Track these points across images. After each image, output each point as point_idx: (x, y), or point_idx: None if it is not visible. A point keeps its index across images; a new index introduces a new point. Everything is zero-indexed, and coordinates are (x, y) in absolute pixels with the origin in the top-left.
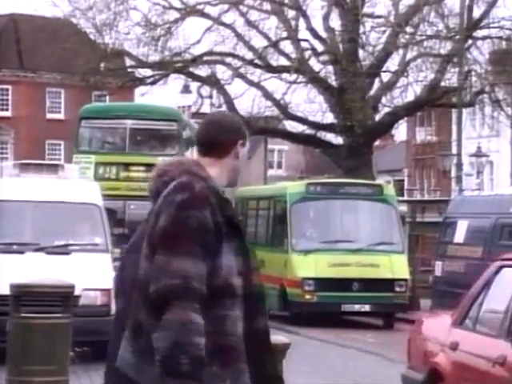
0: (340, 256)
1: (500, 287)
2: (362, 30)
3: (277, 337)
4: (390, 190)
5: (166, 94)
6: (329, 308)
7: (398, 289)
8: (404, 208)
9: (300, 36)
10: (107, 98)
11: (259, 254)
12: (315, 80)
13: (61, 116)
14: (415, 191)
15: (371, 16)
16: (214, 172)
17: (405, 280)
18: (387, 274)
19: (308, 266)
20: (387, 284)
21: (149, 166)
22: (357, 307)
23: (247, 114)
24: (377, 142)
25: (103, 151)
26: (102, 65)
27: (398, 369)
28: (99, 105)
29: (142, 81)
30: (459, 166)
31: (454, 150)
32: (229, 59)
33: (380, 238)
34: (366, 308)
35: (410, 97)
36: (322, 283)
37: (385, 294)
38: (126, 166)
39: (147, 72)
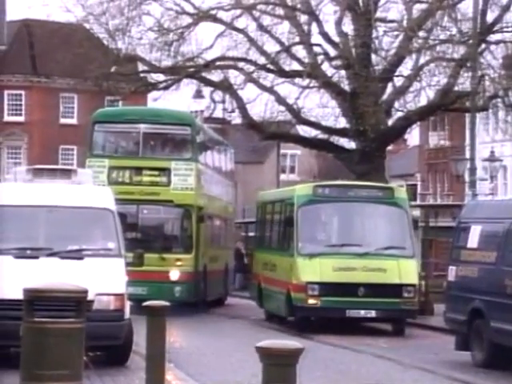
0: (346, 260)
1: None
2: (374, 34)
3: (290, 342)
4: (401, 193)
5: (178, 99)
6: (333, 313)
7: (405, 294)
8: (417, 213)
9: (313, 41)
10: (120, 103)
11: (272, 259)
12: (328, 85)
13: (74, 121)
14: (428, 196)
15: (384, 20)
16: None
17: (413, 285)
18: (395, 279)
19: (312, 270)
20: (395, 289)
21: (162, 171)
22: (362, 313)
23: (260, 119)
24: (390, 147)
25: (117, 155)
26: (113, 69)
27: (410, 374)
28: (113, 109)
29: (154, 86)
30: (472, 170)
31: (468, 155)
32: (241, 64)
33: (389, 242)
34: (372, 314)
35: (422, 101)
36: (327, 288)
37: (392, 299)
38: (140, 170)
39: (160, 77)
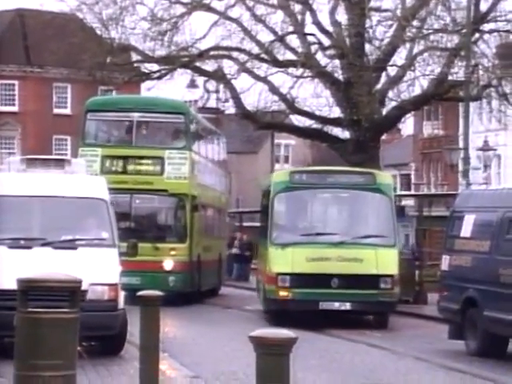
0: (320, 250)
1: None
2: (368, 23)
3: (283, 331)
4: (384, 179)
5: (172, 89)
6: (305, 306)
7: (383, 285)
8: (411, 202)
9: (306, 30)
10: (114, 92)
11: (261, 249)
12: (322, 74)
13: (67, 111)
14: (422, 185)
15: (378, 10)
16: None
17: (391, 276)
18: (371, 270)
19: (284, 260)
20: (371, 280)
21: (156, 160)
22: (336, 305)
23: (254, 109)
24: (384, 137)
25: (110, 144)
26: (108, 59)
27: (404, 363)
28: (105, 98)
29: (148, 75)
30: (466, 159)
31: (461, 144)
32: (235, 54)
33: (368, 230)
34: (347, 306)
35: (416, 91)
36: (298, 279)
37: (368, 291)
38: (133, 159)
39: (153, 67)
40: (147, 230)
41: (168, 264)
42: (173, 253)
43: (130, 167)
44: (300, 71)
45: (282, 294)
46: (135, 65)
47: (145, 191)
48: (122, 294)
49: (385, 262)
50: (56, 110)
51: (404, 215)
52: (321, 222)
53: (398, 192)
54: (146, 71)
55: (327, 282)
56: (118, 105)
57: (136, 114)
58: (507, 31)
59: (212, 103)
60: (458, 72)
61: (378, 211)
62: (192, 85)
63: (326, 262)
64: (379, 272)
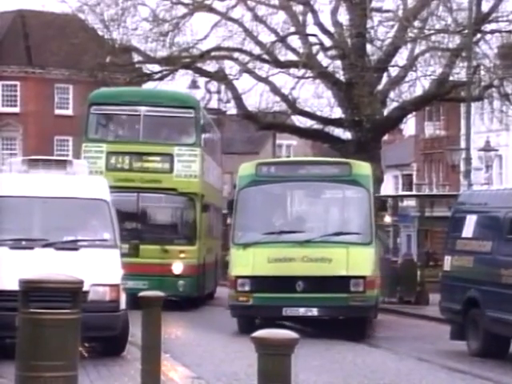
0: (283, 249)
1: None
2: (370, 24)
3: (285, 331)
4: (361, 169)
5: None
6: (267, 312)
7: (353, 288)
8: (412, 203)
9: (308, 31)
10: None
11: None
12: (323, 75)
13: (69, 112)
14: (424, 186)
15: (379, 10)
16: None
17: (363, 277)
18: (341, 271)
19: (245, 262)
20: (340, 283)
21: (164, 156)
22: (301, 311)
23: (255, 109)
24: (385, 137)
25: (115, 140)
26: (108, 59)
27: (406, 363)
28: (110, 90)
29: (149, 76)
30: (468, 160)
31: (463, 145)
32: (236, 54)
33: (339, 227)
34: (314, 312)
35: (418, 91)
36: (259, 283)
37: (337, 294)
38: (140, 155)
39: (155, 67)
40: (155, 232)
41: (177, 267)
42: (182, 255)
43: (137, 164)
44: (301, 72)
45: (242, 299)
46: (137, 65)
47: (152, 190)
48: (123, 295)
49: (357, 261)
50: (57, 111)
51: (385, 209)
52: (287, 219)
53: (400, 192)
54: (148, 72)
55: (291, 285)
56: (124, 98)
57: (143, 108)
58: (509, 31)
59: (214, 104)
60: (460, 72)
61: (353, 205)
62: (193, 86)
63: (290, 263)
64: (349, 273)
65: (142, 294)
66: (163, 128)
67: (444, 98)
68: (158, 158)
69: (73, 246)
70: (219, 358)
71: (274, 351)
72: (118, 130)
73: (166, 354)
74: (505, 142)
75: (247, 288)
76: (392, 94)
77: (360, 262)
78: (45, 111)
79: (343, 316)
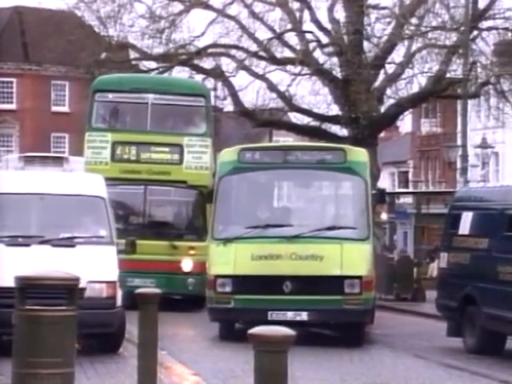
0: (268, 245)
1: None
2: (366, 21)
3: (281, 328)
4: (357, 156)
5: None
6: (250, 316)
7: (348, 290)
8: (409, 200)
9: (305, 28)
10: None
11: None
12: (320, 72)
13: (65, 109)
14: (420, 183)
15: (376, 7)
16: None
17: (359, 277)
18: (334, 270)
19: (225, 259)
20: (333, 283)
21: (174, 147)
22: (290, 315)
23: (252, 106)
24: (382, 134)
25: (121, 129)
26: (104, 56)
27: (403, 360)
28: (116, 76)
29: (146, 73)
30: (464, 157)
31: (459, 142)
32: (233, 51)
33: (332, 220)
34: (303, 316)
35: (415, 88)
36: (242, 283)
37: (329, 297)
38: (148, 146)
39: (152, 64)
40: (163, 227)
41: (187, 264)
42: (192, 252)
43: (145, 155)
44: (298, 69)
45: (222, 301)
46: (133, 62)
47: (161, 182)
48: (120, 292)
49: (352, 259)
50: (54, 108)
51: (384, 201)
52: (274, 212)
53: (397, 190)
54: (144, 69)
55: (278, 286)
56: (131, 84)
57: (151, 96)
58: (505, 29)
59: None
60: (456, 69)
61: (348, 196)
62: None
63: (277, 261)
64: (344, 272)
65: (138, 290)
66: (172, 117)
67: (440, 95)
68: (166, 149)
69: (69, 242)
70: (216, 355)
71: (270, 348)
72: (125, 119)
73: (163, 351)
74: (501, 139)
75: (228, 289)
76: (389, 91)
77: (356, 260)
78: (41, 108)
79: (336, 321)
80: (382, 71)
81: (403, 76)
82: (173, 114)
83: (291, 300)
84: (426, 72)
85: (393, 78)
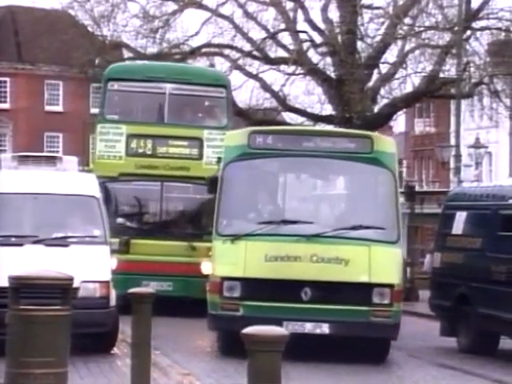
0: (286, 245)
1: None
2: (360, 21)
3: (275, 328)
4: (385, 145)
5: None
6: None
7: (377, 300)
8: (402, 199)
9: (298, 27)
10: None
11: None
12: (314, 71)
13: (59, 108)
14: (414, 182)
15: (370, 7)
16: None
17: (390, 286)
18: (361, 276)
19: (234, 259)
20: (360, 292)
21: (193, 141)
22: (309, 327)
23: (246, 106)
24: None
25: (137, 121)
26: (98, 57)
27: (396, 360)
28: (131, 64)
29: None
30: (458, 157)
31: (453, 142)
32: (227, 51)
33: (358, 218)
34: (324, 329)
35: (408, 88)
36: (253, 287)
37: (355, 307)
38: (165, 139)
39: None
40: (181, 226)
41: (207, 267)
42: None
43: (162, 149)
44: (292, 68)
45: (229, 307)
46: (127, 62)
47: (179, 178)
48: (113, 292)
49: (381, 264)
50: (48, 107)
51: (414, 199)
52: (289, 206)
53: None
54: None
55: (295, 292)
56: (147, 73)
57: (169, 86)
58: (498, 29)
59: None
60: (450, 69)
61: (375, 191)
62: None
63: (295, 263)
64: (372, 280)
65: (131, 290)
66: (191, 108)
67: (434, 94)
68: (185, 143)
69: (63, 242)
70: (209, 355)
71: (263, 348)
72: (140, 110)
73: (156, 350)
74: (495, 139)
75: (237, 294)
76: (382, 91)
77: (386, 265)
78: (35, 107)
79: (361, 335)
80: (376, 71)
81: (397, 76)
82: (192, 106)
83: (310, 309)
84: (420, 72)
85: (386, 78)
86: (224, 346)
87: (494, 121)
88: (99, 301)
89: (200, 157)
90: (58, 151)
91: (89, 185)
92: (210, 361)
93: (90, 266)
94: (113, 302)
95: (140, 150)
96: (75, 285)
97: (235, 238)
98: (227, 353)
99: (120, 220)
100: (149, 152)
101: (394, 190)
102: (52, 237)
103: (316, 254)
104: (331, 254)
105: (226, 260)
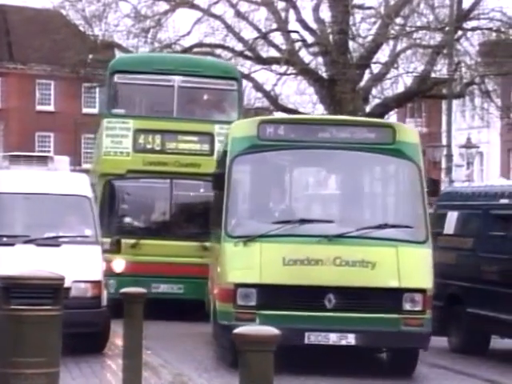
0: (306, 247)
1: None
2: (352, 21)
3: (266, 327)
4: (408, 136)
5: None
6: (283, 339)
7: (408, 307)
8: None
9: (290, 27)
10: (97, 89)
11: (211, 245)
12: (305, 71)
13: (51, 108)
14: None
15: (361, 7)
16: None
17: (422, 291)
18: (390, 280)
19: (247, 263)
20: (390, 298)
21: (203, 136)
22: (334, 338)
23: None
24: None
25: (145, 115)
26: (91, 56)
27: (387, 359)
28: (138, 55)
29: None
30: (449, 157)
31: (444, 141)
32: (219, 51)
33: (382, 216)
34: (351, 340)
35: (400, 88)
36: (271, 295)
37: (384, 315)
38: (174, 134)
39: None
40: (192, 226)
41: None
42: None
43: (171, 145)
44: (284, 68)
45: (245, 318)
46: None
47: (189, 175)
48: (105, 292)
49: (411, 267)
50: (39, 107)
51: (437, 194)
52: (307, 203)
53: None
54: None
55: (318, 299)
56: (155, 65)
57: (178, 78)
58: (489, 29)
59: None
60: (441, 69)
61: (399, 186)
62: None
63: (317, 267)
64: (403, 284)
65: (123, 290)
66: (201, 102)
67: (425, 94)
68: (195, 138)
69: (54, 242)
70: (202, 355)
71: (256, 348)
72: (148, 104)
73: (148, 350)
74: (486, 139)
75: (253, 302)
76: (374, 91)
77: (416, 267)
78: (26, 107)
79: (391, 346)
80: (368, 71)
81: (388, 76)
82: (202, 99)
83: (335, 318)
84: (411, 72)
85: (378, 78)
86: (232, 359)
87: (486, 121)
88: (91, 301)
89: (211, 153)
90: (49, 151)
91: (80, 184)
92: (201, 360)
93: (81, 265)
94: (104, 301)
95: (148, 146)
96: (66, 285)
97: (248, 239)
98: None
99: (127, 219)
100: (157, 148)
101: (419, 184)
102: (43, 237)
103: (340, 257)
104: (356, 256)
105: (239, 264)
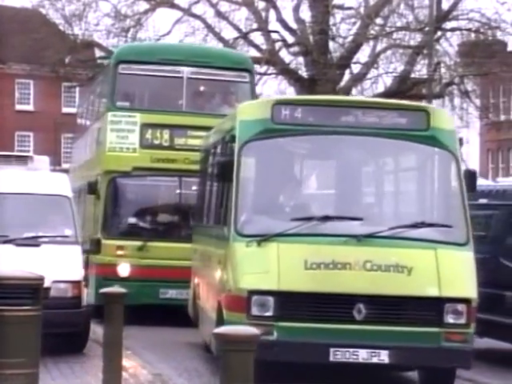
0: (331, 248)
1: None
2: (332, 21)
3: (246, 327)
4: (443, 121)
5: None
6: (304, 356)
7: (450, 319)
8: None
9: (270, 27)
10: (77, 89)
11: (205, 246)
12: (286, 71)
13: (30, 107)
14: None
15: (341, 7)
16: None
17: (466, 301)
18: (429, 289)
19: (262, 267)
20: (429, 308)
21: None
22: (363, 355)
23: None
24: None
25: (152, 109)
26: (69, 56)
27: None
28: (144, 45)
29: None
30: None
31: None
32: None
33: (418, 213)
34: (383, 357)
35: (380, 88)
36: (291, 304)
37: (422, 328)
38: (183, 129)
39: None
40: None
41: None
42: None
43: (180, 140)
44: (264, 68)
45: (259, 331)
46: (99, 61)
47: (198, 173)
48: (85, 292)
49: (453, 273)
50: (18, 107)
51: (475, 189)
52: (330, 198)
53: None
54: None
55: (346, 310)
56: (163, 54)
57: (187, 69)
58: (469, 30)
59: None
60: (421, 70)
61: (435, 179)
62: None
63: (344, 272)
64: (444, 293)
65: (103, 290)
66: (212, 95)
67: (406, 94)
68: (205, 133)
69: (34, 242)
70: (182, 355)
71: (236, 347)
72: (156, 97)
73: (128, 350)
74: (465, 139)
75: (270, 312)
76: (354, 91)
77: (458, 274)
78: (5, 107)
79: (430, 365)
80: (348, 71)
81: (368, 76)
82: (213, 92)
83: (365, 332)
84: (391, 72)
85: (358, 78)
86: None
87: (465, 121)
88: (71, 301)
89: None
90: (28, 151)
91: (60, 184)
92: (181, 360)
93: (61, 265)
94: (84, 301)
95: (156, 142)
96: (46, 285)
97: (263, 238)
98: None
99: (133, 220)
100: (166, 144)
101: (458, 176)
102: (23, 236)
103: (370, 260)
104: (390, 259)
105: (253, 268)
